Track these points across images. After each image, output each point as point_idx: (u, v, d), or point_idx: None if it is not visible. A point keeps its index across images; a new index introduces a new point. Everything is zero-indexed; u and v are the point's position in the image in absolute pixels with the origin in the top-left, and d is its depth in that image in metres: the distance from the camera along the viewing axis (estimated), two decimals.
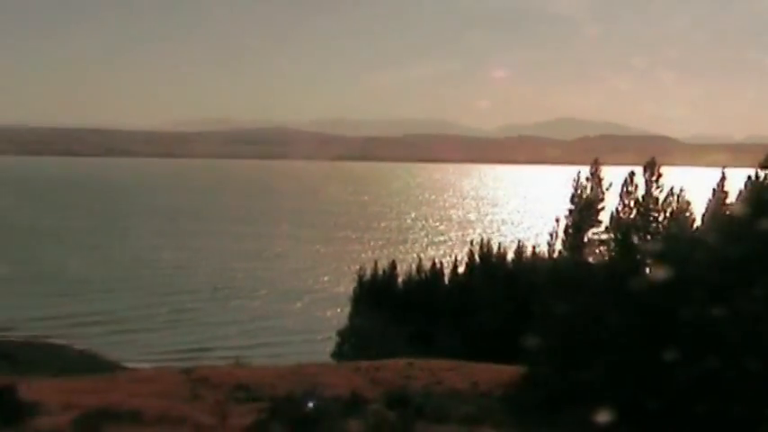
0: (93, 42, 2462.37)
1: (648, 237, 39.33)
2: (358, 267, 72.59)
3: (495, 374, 41.26)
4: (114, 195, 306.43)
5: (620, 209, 40.20)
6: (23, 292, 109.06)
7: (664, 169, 40.48)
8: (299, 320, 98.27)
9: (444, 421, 30.96)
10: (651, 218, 39.63)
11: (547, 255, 49.51)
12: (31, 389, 35.32)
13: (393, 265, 71.67)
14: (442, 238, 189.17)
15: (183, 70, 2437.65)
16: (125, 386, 39.35)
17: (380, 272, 70.44)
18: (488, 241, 78.11)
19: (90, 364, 71.43)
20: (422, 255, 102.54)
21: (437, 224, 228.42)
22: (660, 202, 39.75)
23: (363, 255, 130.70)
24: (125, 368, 68.14)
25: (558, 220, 43.37)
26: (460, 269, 74.77)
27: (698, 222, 41.45)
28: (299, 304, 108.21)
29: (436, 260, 76.94)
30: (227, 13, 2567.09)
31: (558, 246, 43.25)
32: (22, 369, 62.42)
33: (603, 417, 29.30)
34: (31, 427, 30.65)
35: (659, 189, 39.84)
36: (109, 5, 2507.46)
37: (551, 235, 43.98)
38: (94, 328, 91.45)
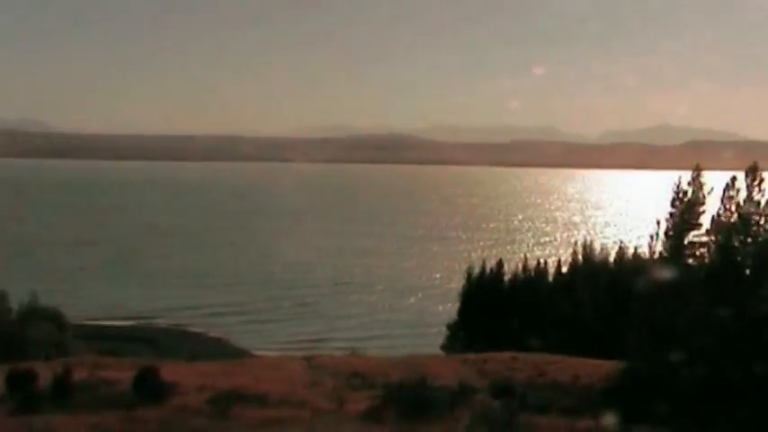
0: (223, 57, 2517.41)
1: (749, 240, 38.08)
2: (467, 266, 72.16)
3: (594, 369, 40.46)
4: (244, 198, 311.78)
5: (720, 212, 38.98)
6: (167, 285, 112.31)
7: (766, 174, 39.15)
8: (412, 315, 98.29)
9: (547, 412, 30.54)
10: (752, 222, 38.34)
11: (647, 256, 48.40)
12: (170, 371, 36.19)
13: (500, 264, 71.00)
14: (547, 239, 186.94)
15: (305, 79, 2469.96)
16: (252, 371, 39.94)
17: (488, 270, 69.89)
18: (591, 242, 76.85)
19: (222, 351, 72.87)
20: (528, 254, 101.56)
21: (543, 226, 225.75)
22: (761, 206, 38.44)
23: (473, 254, 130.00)
24: (253, 355, 69.29)
25: (659, 223, 42.32)
26: (564, 269, 73.70)
27: None
28: (412, 299, 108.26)
29: (541, 260, 75.95)
30: (346, 24, 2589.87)
31: (659, 247, 42.19)
32: (163, 353, 64.10)
33: (697, 414, 28.53)
34: (171, 404, 31.43)
35: (761, 193, 38.51)
36: (240, 21, 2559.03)
37: (652, 237, 42.93)
38: (227, 318, 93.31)
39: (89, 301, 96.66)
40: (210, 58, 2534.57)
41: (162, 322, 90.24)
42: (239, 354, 70.38)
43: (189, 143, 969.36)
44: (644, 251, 57.45)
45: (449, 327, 67.64)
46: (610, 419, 29.07)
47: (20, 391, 32.48)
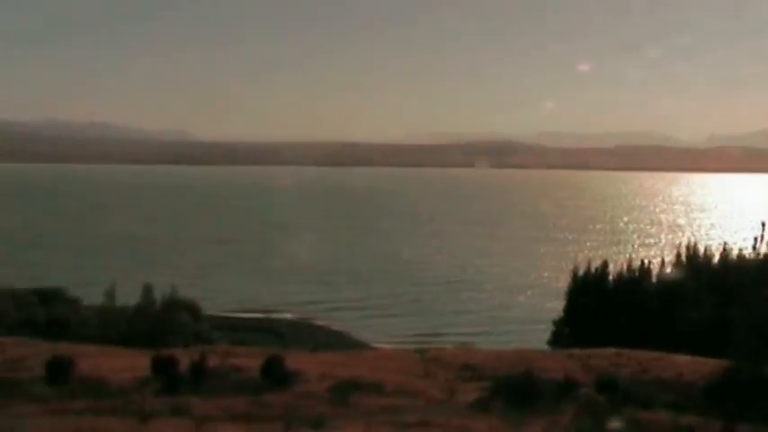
0: (341, 67, 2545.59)
1: None
2: (573, 265, 70.96)
3: (698, 366, 39.21)
4: (363, 200, 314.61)
5: None
6: (294, 281, 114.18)
7: None
8: (521, 311, 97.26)
9: (650, 407, 29.82)
10: None
11: (752, 257, 46.89)
12: (294, 360, 36.76)
13: (605, 264, 69.36)
14: (651, 241, 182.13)
15: (417, 88, 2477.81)
16: (369, 362, 40.19)
17: (593, 270, 68.52)
18: (695, 244, 74.47)
19: (342, 342, 73.58)
20: (632, 255, 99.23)
21: (648, 228, 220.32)
22: None
23: (579, 254, 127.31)
24: (370, 347, 69.70)
25: (764, 225, 40.95)
26: (668, 269, 71.65)
27: None
28: (521, 297, 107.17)
29: (645, 260, 74.01)
30: (454, 34, 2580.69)
31: (764, 249, 40.84)
32: (288, 344, 65.17)
33: None
34: (295, 391, 31.94)
35: None
36: (355, 32, 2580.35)
37: (756, 239, 41.60)
38: (347, 313, 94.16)
39: (223, 294, 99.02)
40: (329, 67, 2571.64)
41: (288, 315, 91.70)
42: (358, 345, 70.95)
43: (312, 149, 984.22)
44: (749, 253, 55.60)
45: (554, 323, 66.56)
46: (713, 417, 28.20)
47: (163, 374, 33.59)
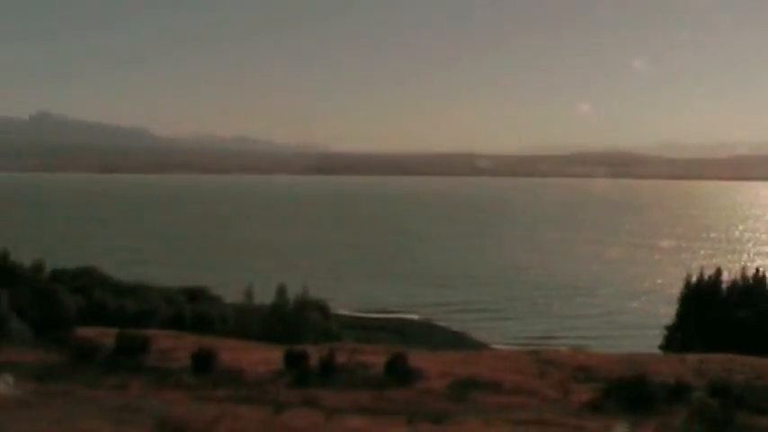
0: (462, 79, 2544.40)
1: None
2: (686, 273, 68.63)
3: None
4: (483, 209, 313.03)
5: None
6: (417, 284, 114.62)
7: None
8: (635, 316, 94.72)
9: (764, 413, 28.55)
10: None
11: None
12: (416, 358, 36.92)
13: (719, 272, 66.95)
14: (767, 249, 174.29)
15: (537, 99, 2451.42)
16: (487, 362, 39.95)
17: (706, 277, 66.16)
18: None
19: (461, 343, 73.34)
20: (747, 264, 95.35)
21: (764, 236, 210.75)
22: None
23: (693, 262, 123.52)
24: (488, 347, 69.23)
25: None
26: None
27: None
28: (635, 303, 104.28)
29: (760, 269, 70.89)
30: (579, 46, 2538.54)
31: None
32: (410, 342, 65.42)
33: None
34: (416, 387, 32.07)
35: None
36: (483, 42, 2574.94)
37: None
38: (467, 315, 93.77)
39: (350, 295, 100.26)
40: (450, 81, 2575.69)
41: (411, 316, 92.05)
42: (477, 346, 70.56)
43: (435, 160, 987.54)
44: None
45: (667, 328, 64.64)
46: None
47: (295, 368, 34.33)
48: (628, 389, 29.41)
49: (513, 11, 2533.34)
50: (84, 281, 68.62)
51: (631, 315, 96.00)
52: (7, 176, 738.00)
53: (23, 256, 71.75)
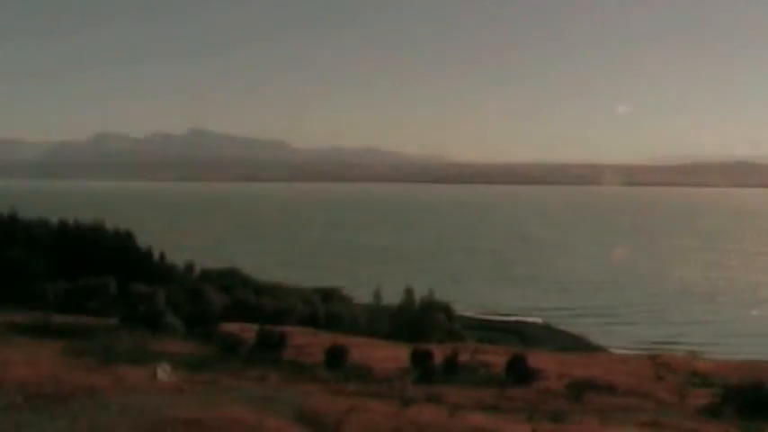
0: (581, 91, 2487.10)
1: None
2: None
3: None
4: (601, 217, 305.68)
5: None
6: (536, 288, 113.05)
7: None
8: (754, 324, 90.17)
9: None
10: None
11: None
12: (535, 359, 36.52)
13: None
14: None
15: (658, 110, 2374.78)
16: (604, 364, 39.19)
17: None
18: None
19: (579, 345, 71.86)
20: None
21: None
22: None
23: None
24: (605, 350, 67.56)
25: None
26: None
27: None
28: (754, 311, 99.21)
29: None
30: (706, 56, 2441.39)
31: None
32: (529, 344, 64.69)
33: None
34: (535, 387, 31.76)
35: None
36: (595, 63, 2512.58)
37: None
38: (585, 319, 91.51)
39: (473, 297, 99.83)
40: (579, 93, 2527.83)
41: (531, 319, 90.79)
42: (594, 349, 68.95)
43: (554, 170, 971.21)
44: None
45: None
46: None
47: (420, 365, 34.62)
48: (745, 395, 28.17)
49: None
50: (229, 281, 71.34)
51: (750, 322, 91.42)
52: (165, 186, 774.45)
53: (177, 258, 75.26)
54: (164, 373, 25.04)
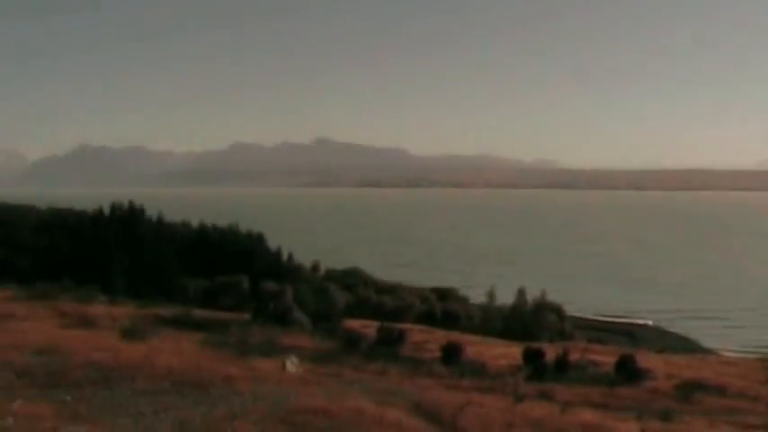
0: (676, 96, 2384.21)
1: None
2: None
3: None
4: (711, 222, 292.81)
5: None
6: (648, 291, 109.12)
7: None
8: None
9: None
10: None
11: None
12: (644, 359, 35.53)
13: None
14: None
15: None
16: (713, 366, 37.66)
17: None
18: None
19: (688, 347, 69.07)
20: None
21: None
22: None
23: None
24: (714, 353, 64.61)
25: None
26: None
27: None
28: None
29: None
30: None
31: None
32: (639, 344, 62.71)
33: None
34: (643, 386, 30.93)
35: None
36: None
37: None
38: (696, 322, 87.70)
39: (584, 299, 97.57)
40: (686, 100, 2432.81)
41: (641, 320, 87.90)
42: (704, 351, 66.04)
43: (660, 175, 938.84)
44: None
45: None
46: None
47: (532, 363, 34.29)
48: None
49: None
50: (351, 280, 72.64)
51: None
52: (293, 191, 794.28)
53: (304, 258, 77.21)
54: (292, 365, 25.82)
